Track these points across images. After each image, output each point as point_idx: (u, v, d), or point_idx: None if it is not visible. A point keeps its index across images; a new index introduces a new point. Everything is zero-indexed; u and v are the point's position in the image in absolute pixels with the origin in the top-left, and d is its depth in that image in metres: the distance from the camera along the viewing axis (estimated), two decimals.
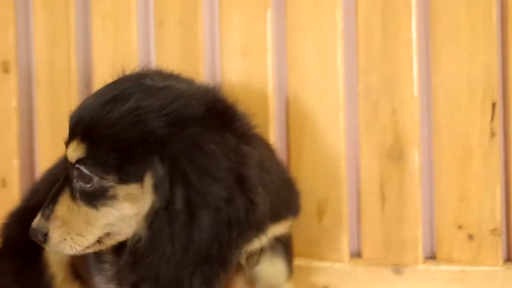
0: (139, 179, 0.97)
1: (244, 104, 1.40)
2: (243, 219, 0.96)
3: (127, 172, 0.97)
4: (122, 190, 0.98)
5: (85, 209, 1.01)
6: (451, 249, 1.35)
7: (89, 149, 0.98)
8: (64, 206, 1.02)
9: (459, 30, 1.32)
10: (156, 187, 0.94)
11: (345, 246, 1.37)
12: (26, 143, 1.63)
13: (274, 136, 1.41)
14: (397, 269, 1.34)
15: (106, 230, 1.02)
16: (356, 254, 1.42)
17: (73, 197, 1.02)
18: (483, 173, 1.30)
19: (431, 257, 1.39)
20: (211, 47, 1.51)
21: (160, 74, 1.08)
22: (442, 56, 1.33)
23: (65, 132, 1.50)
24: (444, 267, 1.32)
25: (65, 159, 1.03)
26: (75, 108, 1.04)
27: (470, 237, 1.32)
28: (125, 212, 1.00)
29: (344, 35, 1.37)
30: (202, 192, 0.94)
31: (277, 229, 1.15)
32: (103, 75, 1.45)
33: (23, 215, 1.27)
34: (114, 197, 0.99)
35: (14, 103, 1.57)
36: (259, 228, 1.04)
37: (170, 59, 1.47)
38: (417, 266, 1.33)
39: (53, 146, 1.54)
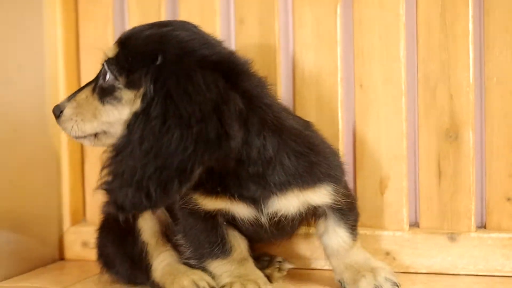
0: (138, 88, 1.08)
1: (315, 90, 1.48)
2: (212, 142, 1.00)
3: (133, 79, 1.08)
4: (126, 94, 1.09)
5: (96, 103, 1.12)
6: (500, 219, 1.38)
7: (118, 52, 1.11)
8: (84, 94, 1.15)
9: (510, 22, 1.35)
10: (144, 97, 1.05)
11: (405, 216, 1.41)
12: None
13: (342, 119, 1.45)
14: (452, 236, 1.37)
15: (104, 128, 1.13)
16: (415, 224, 1.46)
17: (93, 90, 1.14)
18: None
19: (482, 226, 1.42)
20: (286, 41, 1.55)
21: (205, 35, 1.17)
22: (495, 46, 1.36)
23: None
24: (494, 235, 1.35)
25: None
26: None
27: None
28: (123, 115, 1.10)
29: (406, 27, 1.40)
30: (178, 107, 1.00)
31: (316, 196, 1.17)
32: None
33: None
34: (118, 99, 1.10)
35: None
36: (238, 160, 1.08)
37: (249, 53, 1.44)
38: (470, 234, 1.37)
39: None
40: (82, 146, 1.67)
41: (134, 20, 1.60)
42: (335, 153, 1.23)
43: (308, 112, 1.45)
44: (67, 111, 1.16)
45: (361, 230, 1.34)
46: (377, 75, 1.42)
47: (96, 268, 1.43)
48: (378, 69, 1.42)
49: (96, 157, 1.64)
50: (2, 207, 1.42)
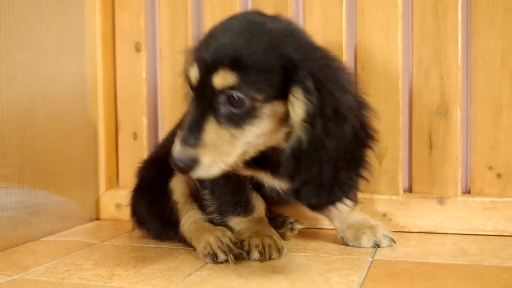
0: (284, 96, 0.97)
1: None
2: (367, 121, 1.00)
3: (274, 91, 0.96)
4: (267, 108, 0.97)
5: (231, 131, 0.97)
6: (482, 185, 1.40)
7: (240, 75, 0.95)
8: (211, 132, 0.96)
9: (495, 14, 1.36)
10: (308, 97, 0.94)
11: (400, 183, 1.43)
12: (152, 105, 1.69)
13: None
14: (441, 200, 1.39)
15: (245, 148, 1.00)
16: (408, 189, 1.48)
17: (218, 122, 0.97)
18: (510, 126, 1.36)
19: (467, 191, 1.44)
20: None
21: (262, 13, 1.07)
22: (480, 34, 1.38)
23: (182, 97, 1.58)
24: (477, 199, 1.37)
25: (201, 89, 0.97)
26: (204, 45, 0.99)
27: (499, 175, 1.38)
28: (264, 129, 0.99)
29: (403, 17, 1.41)
30: (342, 101, 0.95)
31: None
32: None
33: (153, 162, 1.39)
34: (259, 116, 0.97)
35: (144, 74, 1.63)
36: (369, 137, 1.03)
37: None
38: (456, 198, 1.38)
39: (172, 108, 1.61)
40: (116, 120, 1.69)
41: (163, 9, 1.61)
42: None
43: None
44: (206, 158, 0.96)
45: (361, 195, 1.37)
46: (377, 58, 1.43)
47: (127, 226, 1.47)
48: (378, 54, 1.43)
49: (128, 132, 1.67)
50: (48, 173, 1.44)
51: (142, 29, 1.64)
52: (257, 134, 0.99)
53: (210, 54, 0.97)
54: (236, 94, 0.95)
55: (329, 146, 0.93)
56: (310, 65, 0.96)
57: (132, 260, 1.18)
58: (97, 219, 1.66)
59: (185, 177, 1.26)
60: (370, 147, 1.00)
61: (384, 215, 1.43)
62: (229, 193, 1.22)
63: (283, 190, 1.20)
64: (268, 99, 0.97)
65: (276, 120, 1.00)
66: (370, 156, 1.02)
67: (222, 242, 1.17)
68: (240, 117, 0.97)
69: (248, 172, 1.16)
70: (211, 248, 1.15)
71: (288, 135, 1.00)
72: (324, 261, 1.14)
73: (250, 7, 1.58)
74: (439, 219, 1.39)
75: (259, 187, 1.22)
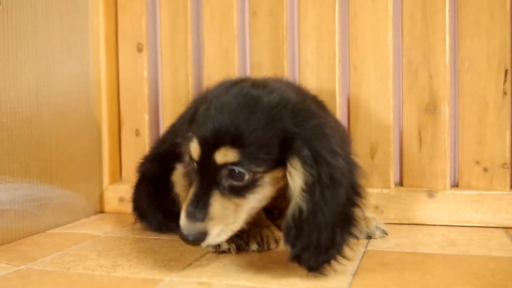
0: (283, 164, 0.96)
1: (316, 72, 1.48)
2: (358, 181, 0.98)
3: (273, 162, 0.96)
4: (268, 177, 0.98)
5: (234, 201, 0.97)
6: (470, 179, 1.40)
7: (241, 152, 0.94)
8: (217, 205, 0.96)
9: (480, 16, 1.36)
10: (304, 166, 0.93)
11: (391, 176, 1.43)
12: (153, 103, 1.69)
13: (339, 96, 1.45)
14: (430, 193, 1.39)
15: (249, 212, 1.00)
16: (399, 183, 1.48)
17: (222, 194, 0.97)
18: (496, 122, 1.36)
19: (455, 185, 1.44)
20: (292, 31, 1.55)
21: (255, 83, 1.04)
22: (467, 36, 1.38)
23: (182, 95, 1.57)
24: (465, 192, 1.37)
25: (203, 164, 0.97)
26: (205, 124, 0.97)
27: (485, 170, 1.38)
28: (266, 193, 1.00)
29: (393, 19, 1.41)
30: (337, 167, 0.93)
31: None
32: (211, 54, 1.56)
33: (154, 158, 1.38)
34: (260, 185, 0.97)
35: (145, 74, 1.63)
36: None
37: (261, 40, 1.52)
38: (445, 191, 1.38)
39: (172, 106, 1.61)
40: (119, 118, 1.69)
41: (164, 11, 1.61)
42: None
43: (310, 90, 1.44)
44: (216, 230, 0.96)
45: None
46: (369, 59, 1.43)
47: (130, 219, 1.45)
48: (369, 54, 1.43)
49: (130, 128, 1.67)
50: (54, 168, 1.43)
51: (144, 30, 1.64)
52: (259, 200, 1.00)
53: (210, 133, 0.96)
54: (238, 169, 0.95)
55: (326, 212, 0.93)
56: (306, 136, 0.95)
57: (135, 251, 1.18)
58: (101, 212, 1.65)
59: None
60: (359, 206, 0.99)
61: (376, 207, 1.43)
62: None
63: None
64: (268, 170, 0.97)
65: (276, 182, 1.00)
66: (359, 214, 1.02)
67: (224, 231, 1.15)
68: (243, 188, 0.97)
69: None
70: None
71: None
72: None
73: (247, 9, 1.58)
74: (429, 212, 1.39)
75: None
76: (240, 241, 1.15)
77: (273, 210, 1.34)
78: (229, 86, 1.03)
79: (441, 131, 1.40)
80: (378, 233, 1.24)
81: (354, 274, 0.98)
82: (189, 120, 1.08)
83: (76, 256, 1.15)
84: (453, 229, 1.33)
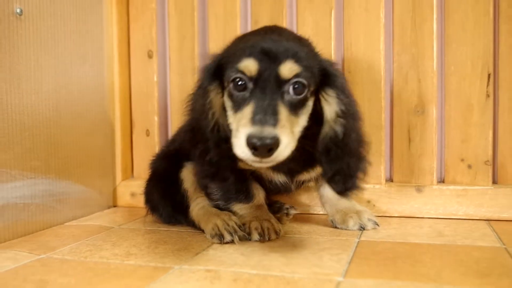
0: (316, 95, 1.03)
1: None
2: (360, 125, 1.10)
3: (314, 87, 1.01)
4: (310, 101, 1.01)
5: (292, 118, 0.96)
6: (455, 175, 1.40)
7: (302, 66, 0.96)
8: (284, 115, 0.94)
9: (466, 24, 1.37)
10: (339, 95, 1.02)
11: (382, 173, 1.43)
12: (162, 105, 1.69)
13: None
14: (418, 188, 1.39)
15: (299, 134, 0.99)
16: (390, 179, 1.48)
17: (285, 107, 0.95)
18: (480, 122, 1.36)
19: (441, 180, 1.44)
20: None
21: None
22: (453, 42, 1.38)
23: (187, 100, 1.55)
24: (451, 187, 1.38)
25: (263, 79, 0.94)
26: (253, 47, 0.96)
27: (469, 166, 1.38)
28: (305, 120, 1.01)
29: (384, 27, 1.42)
30: (355, 103, 1.07)
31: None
32: None
33: (164, 156, 1.39)
34: (307, 106, 1.00)
35: (155, 78, 1.64)
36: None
37: None
38: (432, 186, 1.39)
39: (180, 108, 1.50)
40: (131, 119, 1.69)
41: (173, 21, 1.61)
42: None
43: None
44: (285, 139, 0.90)
45: None
46: (362, 63, 1.43)
47: (141, 212, 1.47)
48: (362, 59, 1.43)
49: (141, 129, 1.67)
50: (71, 165, 1.44)
51: (154, 38, 1.64)
52: (303, 125, 1.01)
53: (272, 49, 0.95)
54: (301, 80, 0.96)
55: (354, 139, 1.00)
56: (338, 74, 1.04)
57: (146, 241, 1.18)
58: (114, 206, 1.66)
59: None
60: (367, 144, 1.11)
61: (369, 201, 1.43)
62: (232, 183, 1.21)
63: (280, 182, 1.21)
64: (311, 94, 1.01)
65: (310, 109, 1.03)
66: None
67: (228, 224, 1.17)
68: (297, 105, 0.97)
69: (249, 166, 1.15)
70: (219, 230, 1.15)
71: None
72: (317, 242, 1.14)
73: (249, 19, 1.58)
74: (417, 205, 1.39)
75: (259, 179, 1.23)
76: (243, 233, 1.16)
77: (274, 205, 1.38)
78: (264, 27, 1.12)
79: (429, 131, 1.40)
80: (370, 225, 1.25)
81: (350, 262, 0.98)
82: (212, 73, 1.06)
83: (92, 246, 1.15)
84: (439, 221, 1.34)
